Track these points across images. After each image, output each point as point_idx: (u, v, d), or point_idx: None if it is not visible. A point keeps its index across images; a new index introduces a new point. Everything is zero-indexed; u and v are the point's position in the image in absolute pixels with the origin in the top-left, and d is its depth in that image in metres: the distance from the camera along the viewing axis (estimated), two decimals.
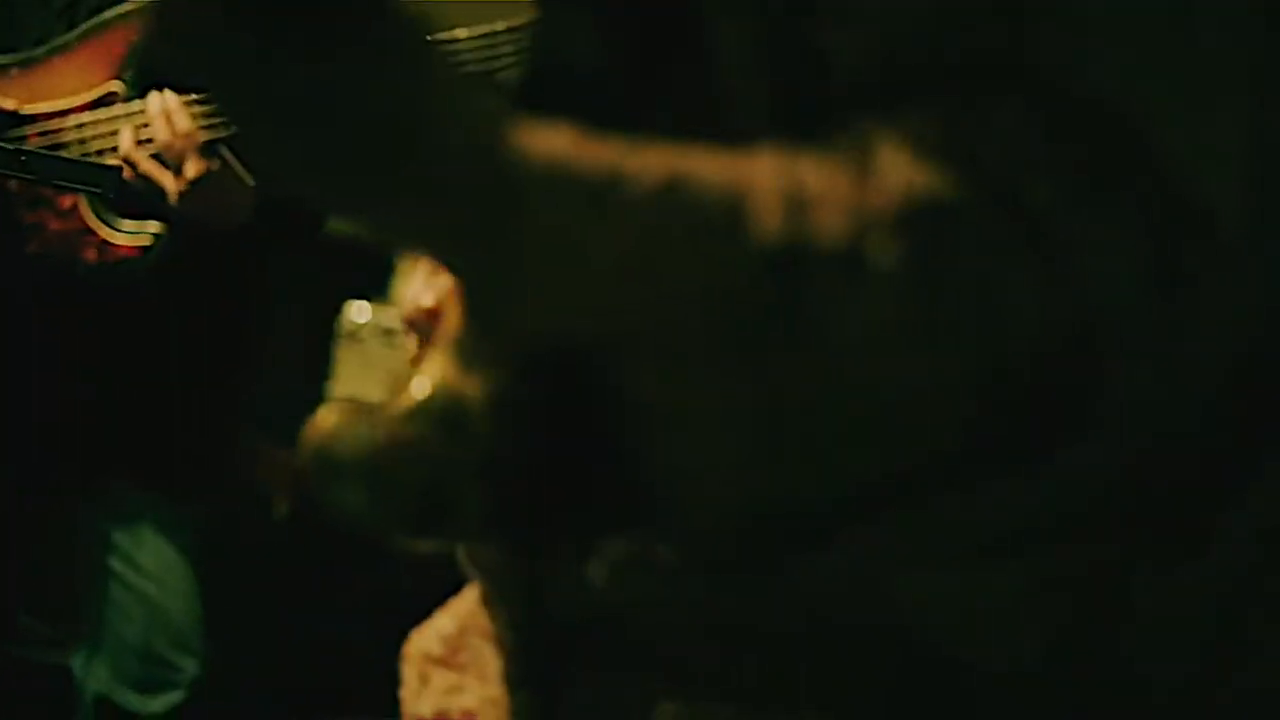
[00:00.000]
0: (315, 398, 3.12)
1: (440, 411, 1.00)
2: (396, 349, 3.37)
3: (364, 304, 3.52)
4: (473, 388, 1.03)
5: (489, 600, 1.13)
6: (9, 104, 2.71)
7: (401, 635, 1.37)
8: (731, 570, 0.99)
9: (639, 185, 0.85)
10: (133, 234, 2.66)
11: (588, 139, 0.86)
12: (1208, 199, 0.87)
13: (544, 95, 1.02)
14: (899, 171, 0.86)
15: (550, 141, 0.85)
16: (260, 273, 2.89)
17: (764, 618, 0.98)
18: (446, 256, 0.88)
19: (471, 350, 1.04)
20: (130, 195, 2.63)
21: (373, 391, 3.42)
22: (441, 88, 0.82)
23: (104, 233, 2.68)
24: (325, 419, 0.97)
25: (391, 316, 3.47)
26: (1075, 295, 0.86)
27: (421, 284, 1.15)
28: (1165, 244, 0.87)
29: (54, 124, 2.69)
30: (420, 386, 1.01)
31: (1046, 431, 0.93)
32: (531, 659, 1.09)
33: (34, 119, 2.70)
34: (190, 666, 2.78)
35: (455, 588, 1.19)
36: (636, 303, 0.86)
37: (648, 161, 0.86)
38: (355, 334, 3.44)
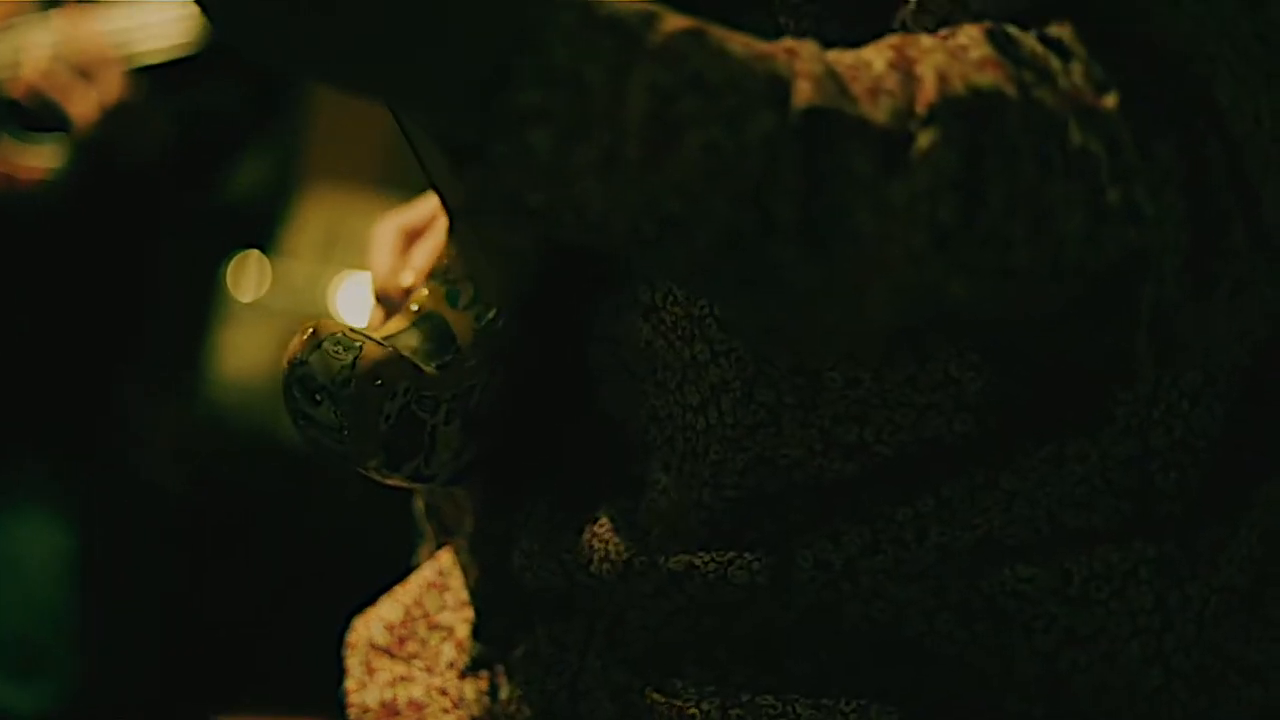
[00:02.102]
0: (199, 361, 3.02)
1: (424, 339, 0.99)
2: (291, 320, 3.27)
3: (259, 260, 3.40)
4: (459, 321, 1.00)
5: (458, 561, 1.09)
6: None
7: (327, 621, 1.29)
8: (730, 551, 0.96)
9: (667, 26, 0.79)
10: (35, 158, 2.53)
11: None
12: (1254, 176, 0.85)
13: None
14: (955, 65, 0.82)
15: None
16: (153, 221, 2.75)
17: (762, 606, 0.96)
18: (451, 107, 0.79)
19: (460, 282, 1.01)
20: (33, 116, 2.49)
21: (264, 362, 3.30)
22: None
23: (6, 164, 2.54)
24: (305, 334, 0.94)
25: (286, 290, 3.39)
26: (1121, 235, 0.82)
27: (394, 258, 1.13)
28: (1214, 211, 0.84)
29: None
30: (414, 306, 1.00)
31: (1061, 419, 0.93)
32: (490, 634, 1.06)
33: None
34: (69, 656, 2.64)
35: (400, 574, 1.15)
36: (651, 159, 0.78)
37: (677, 14, 0.80)
38: (248, 303, 3.33)
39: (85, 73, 2.41)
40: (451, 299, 1.00)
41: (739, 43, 0.79)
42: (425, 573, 1.11)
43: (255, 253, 3.35)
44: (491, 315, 1.00)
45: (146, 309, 2.85)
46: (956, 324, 0.87)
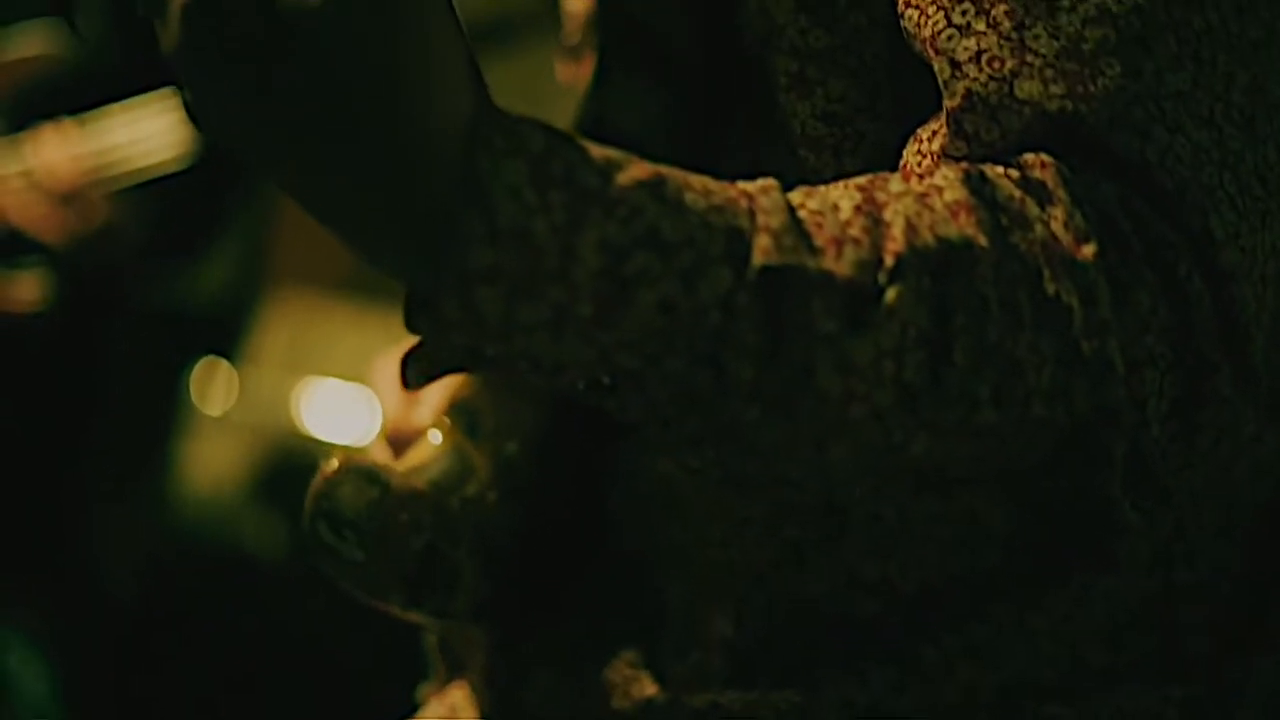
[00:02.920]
0: (163, 474, 2.99)
1: (445, 471, 0.98)
2: (257, 434, 3.24)
3: (225, 370, 3.38)
4: (479, 453, 1.00)
5: (469, 697, 1.07)
6: None
7: None
8: (754, 690, 0.94)
9: (624, 177, 0.78)
10: (21, 289, 2.51)
11: (577, 139, 0.79)
12: (1246, 312, 0.84)
13: None
14: (925, 213, 0.81)
15: (531, 129, 0.78)
16: (115, 327, 2.72)
17: None
18: (398, 257, 0.78)
19: (481, 413, 1.01)
20: (13, 246, 2.47)
21: (231, 477, 3.26)
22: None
23: None
24: (331, 468, 0.94)
25: (252, 400, 3.36)
26: (1091, 391, 0.81)
27: (404, 396, 1.11)
28: (1199, 358, 0.83)
29: None
30: (434, 438, 1.00)
31: (1085, 555, 0.92)
32: None
33: None
34: None
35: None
36: (604, 316, 0.77)
37: (638, 163, 0.80)
38: (215, 416, 3.30)
39: (63, 200, 2.40)
40: (472, 430, 1.00)
41: (699, 191, 0.79)
42: (434, 709, 1.09)
43: (222, 362, 3.32)
44: (512, 448, 1.00)
45: (108, 420, 2.82)
46: (925, 477, 0.86)
